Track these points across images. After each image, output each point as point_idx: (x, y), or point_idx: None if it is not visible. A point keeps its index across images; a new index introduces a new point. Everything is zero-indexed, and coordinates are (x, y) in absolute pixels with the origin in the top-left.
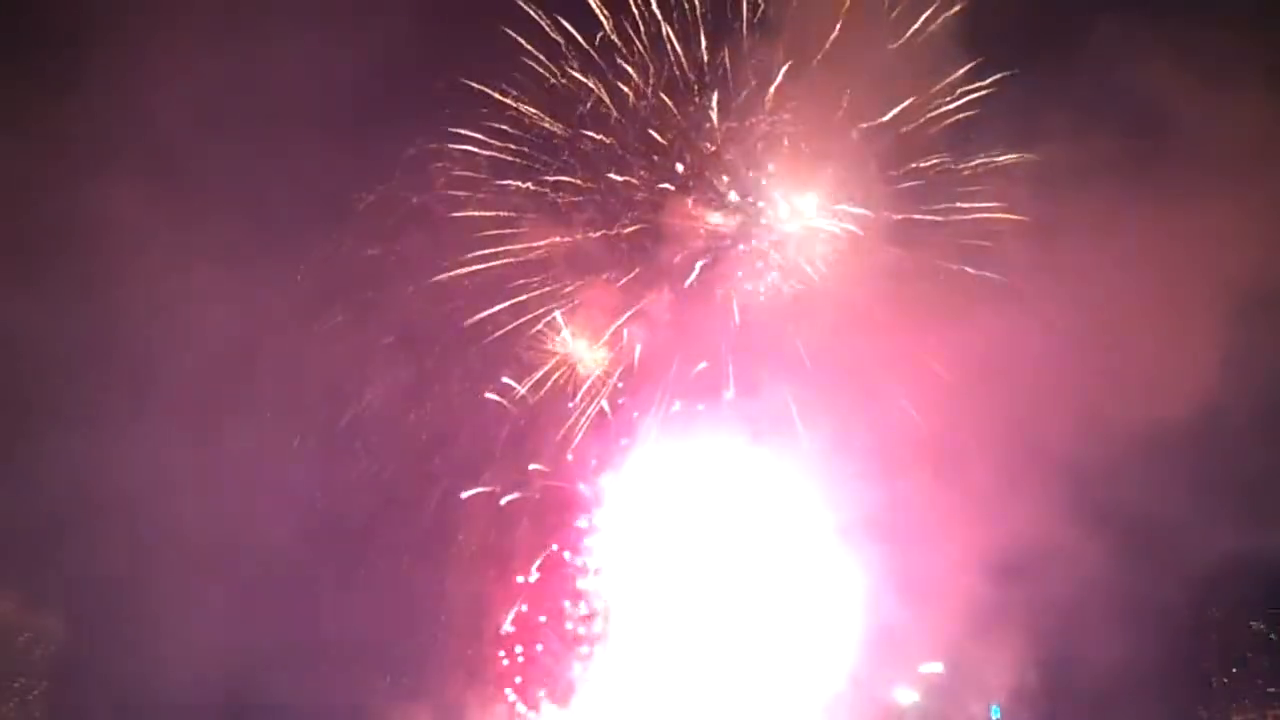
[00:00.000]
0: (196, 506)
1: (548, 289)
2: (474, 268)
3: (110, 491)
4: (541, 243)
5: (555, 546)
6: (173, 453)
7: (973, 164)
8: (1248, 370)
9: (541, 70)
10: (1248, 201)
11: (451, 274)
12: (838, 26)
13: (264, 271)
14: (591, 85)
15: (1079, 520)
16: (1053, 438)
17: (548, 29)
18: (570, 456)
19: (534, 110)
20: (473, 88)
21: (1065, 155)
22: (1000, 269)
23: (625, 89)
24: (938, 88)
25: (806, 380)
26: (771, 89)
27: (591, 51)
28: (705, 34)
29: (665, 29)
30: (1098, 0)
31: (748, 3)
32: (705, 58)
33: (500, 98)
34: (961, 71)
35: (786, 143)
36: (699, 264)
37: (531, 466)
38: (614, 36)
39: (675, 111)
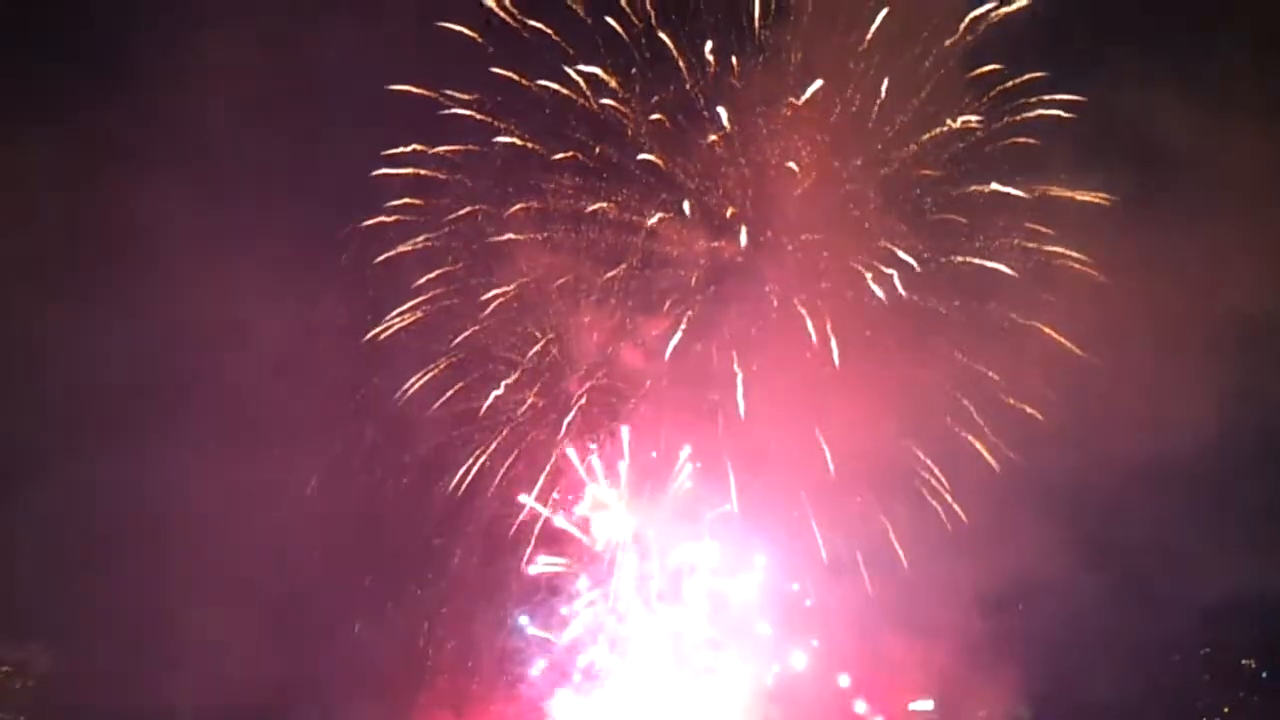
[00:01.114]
0: (186, 539)
1: (543, 317)
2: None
3: (96, 523)
4: (538, 269)
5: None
6: (162, 484)
7: (972, 193)
8: (1248, 408)
9: (534, 90)
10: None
11: (440, 304)
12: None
13: (261, 288)
14: (587, 103)
15: (1073, 557)
16: (1049, 473)
17: (542, 47)
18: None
19: (524, 131)
20: (463, 112)
21: (1068, 187)
22: (1003, 303)
23: (625, 109)
24: (962, 113)
25: (803, 414)
26: (783, 109)
27: (590, 68)
28: (713, 49)
29: (669, 44)
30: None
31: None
32: (713, 72)
33: (491, 120)
34: (993, 93)
35: (798, 168)
36: (700, 296)
37: (521, 497)
38: (604, 50)
39: (677, 132)
